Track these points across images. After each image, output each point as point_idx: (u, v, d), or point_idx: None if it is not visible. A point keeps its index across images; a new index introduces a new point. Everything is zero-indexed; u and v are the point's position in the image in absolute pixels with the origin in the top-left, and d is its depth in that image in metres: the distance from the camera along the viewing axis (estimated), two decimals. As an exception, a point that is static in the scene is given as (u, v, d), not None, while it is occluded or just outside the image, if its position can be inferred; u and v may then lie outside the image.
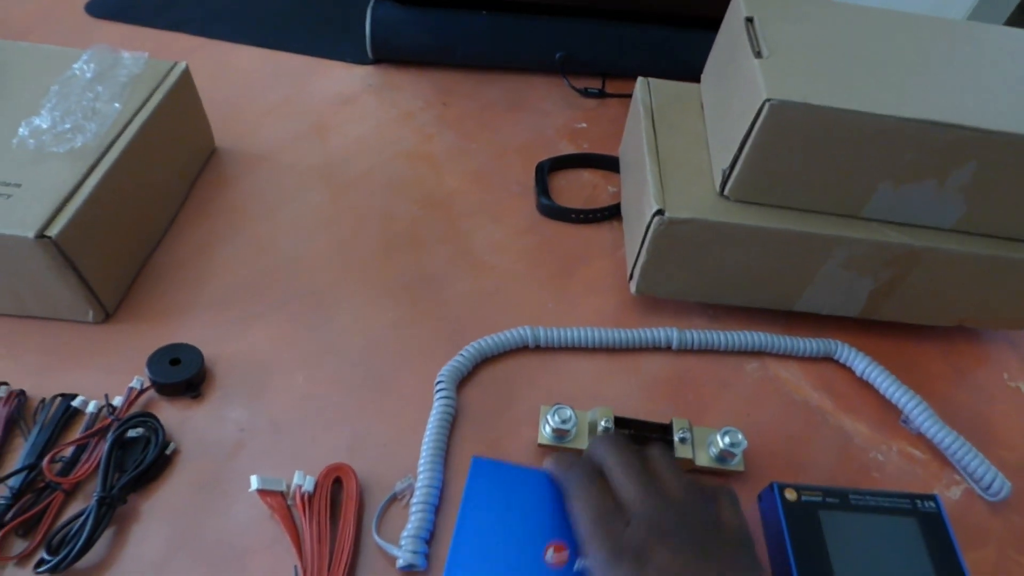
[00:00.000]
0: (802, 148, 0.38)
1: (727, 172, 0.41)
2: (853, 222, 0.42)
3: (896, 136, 0.37)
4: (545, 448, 0.39)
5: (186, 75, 0.49)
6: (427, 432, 0.38)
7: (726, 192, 0.42)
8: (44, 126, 0.39)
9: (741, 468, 0.38)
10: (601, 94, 0.68)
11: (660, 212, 0.41)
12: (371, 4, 0.66)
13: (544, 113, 0.66)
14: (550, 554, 0.33)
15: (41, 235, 0.36)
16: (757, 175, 0.40)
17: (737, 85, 0.41)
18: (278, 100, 0.64)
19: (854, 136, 0.37)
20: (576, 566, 0.32)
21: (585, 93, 0.68)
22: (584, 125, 0.65)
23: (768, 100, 0.36)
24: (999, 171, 0.38)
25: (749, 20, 0.43)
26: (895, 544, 0.34)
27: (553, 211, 0.54)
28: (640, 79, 0.52)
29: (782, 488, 0.35)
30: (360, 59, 0.69)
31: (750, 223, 0.41)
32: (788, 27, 0.42)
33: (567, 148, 0.62)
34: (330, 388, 0.41)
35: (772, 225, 0.41)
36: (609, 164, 0.60)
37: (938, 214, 0.41)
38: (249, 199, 0.53)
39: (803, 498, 0.35)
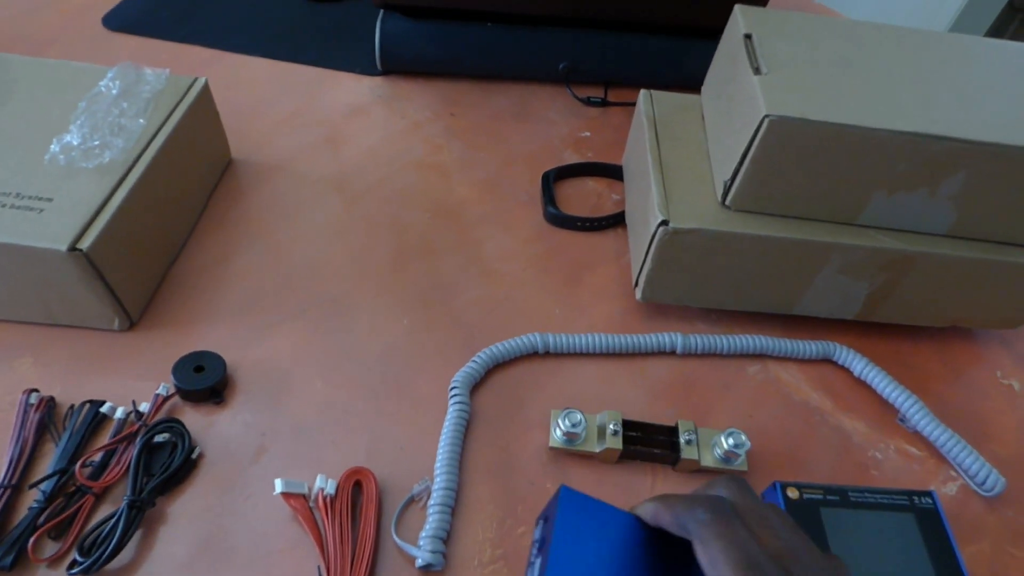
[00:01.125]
0: (800, 160, 0.40)
1: (728, 183, 0.43)
2: (849, 229, 0.43)
3: (889, 148, 0.39)
4: (556, 451, 0.40)
5: (206, 90, 0.51)
6: (443, 436, 0.40)
7: (728, 202, 0.43)
8: (74, 143, 0.41)
9: (744, 468, 0.40)
10: (604, 103, 0.70)
11: (665, 223, 0.42)
12: (380, 16, 0.68)
13: (549, 122, 0.68)
14: None
15: (73, 248, 0.37)
16: (757, 186, 0.42)
17: (737, 100, 0.43)
18: (290, 111, 0.65)
19: (849, 149, 0.39)
20: None
21: (588, 102, 0.70)
22: (588, 134, 0.67)
23: (767, 116, 0.38)
24: (987, 180, 0.40)
25: (748, 37, 0.44)
26: (894, 539, 0.36)
27: (560, 220, 0.56)
28: (643, 91, 0.54)
29: (784, 487, 0.37)
30: (369, 70, 0.71)
31: (751, 232, 0.43)
32: (785, 44, 0.44)
33: (572, 157, 0.64)
34: (349, 393, 0.43)
35: (772, 234, 0.43)
36: (613, 172, 0.61)
37: (930, 221, 0.43)
38: (265, 209, 0.55)
39: (805, 496, 0.37)
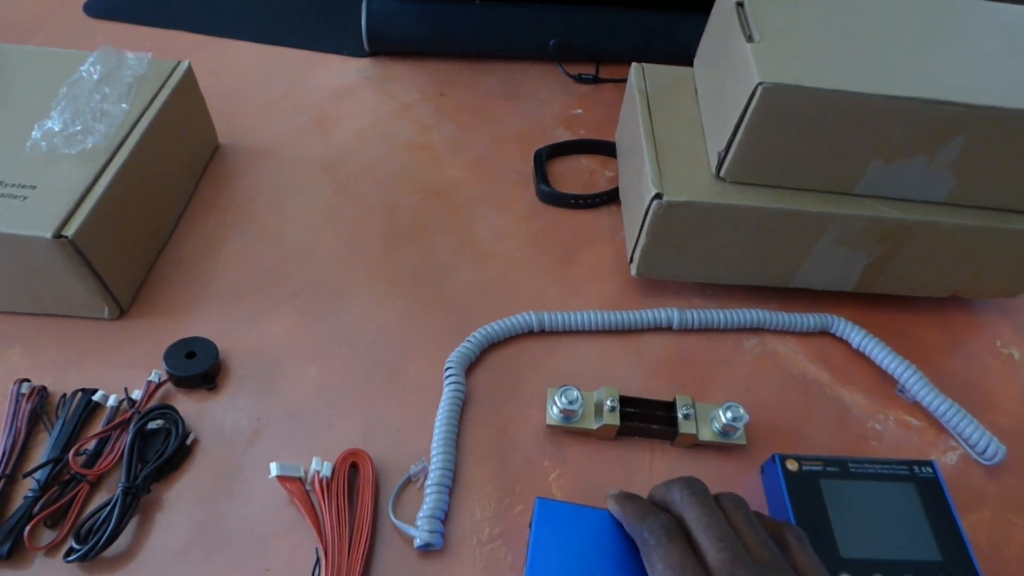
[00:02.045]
0: (795, 129, 0.39)
1: (722, 154, 0.42)
2: (846, 199, 0.43)
3: (885, 114, 0.38)
4: (553, 429, 0.40)
5: (189, 74, 0.50)
6: (439, 416, 0.40)
7: (722, 174, 0.43)
8: (56, 128, 0.40)
9: (743, 442, 0.39)
10: (595, 80, 0.69)
11: (659, 196, 0.42)
12: (366, -3, 0.67)
13: (540, 100, 0.67)
14: None
15: (58, 235, 0.37)
16: (752, 157, 0.41)
17: (730, 69, 0.42)
18: (278, 95, 0.64)
19: (845, 115, 0.38)
20: None
21: (580, 79, 0.69)
22: (580, 111, 0.66)
23: (761, 83, 0.37)
24: (986, 145, 0.39)
25: (739, 4, 0.43)
26: (894, 509, 0.35)
27: (553, 197, 0.55)
28: (634, 65, 0.53)
29: (783, 459, 0.37)
30: (357, 52, 0.70)
31: (746, 204, 0.42)
32: (778, 10, 0.43)
33: (564, 135, 0.63)
34: (342, 377, 0.42)
35: (768, 205, 0.42)
36: (606, 149, 0.61)
37: (929, 188, 0.42)
38: (254, 194, 0.54)
39: (804, 468, 0.36)
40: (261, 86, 0.65)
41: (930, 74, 0.39)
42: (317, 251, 0.50)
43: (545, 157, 0.59)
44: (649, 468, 0.40)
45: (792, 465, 0.36)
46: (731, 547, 0.28)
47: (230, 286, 0.47)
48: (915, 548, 0.34)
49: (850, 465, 0.37)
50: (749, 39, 0.41)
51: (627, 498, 0.32)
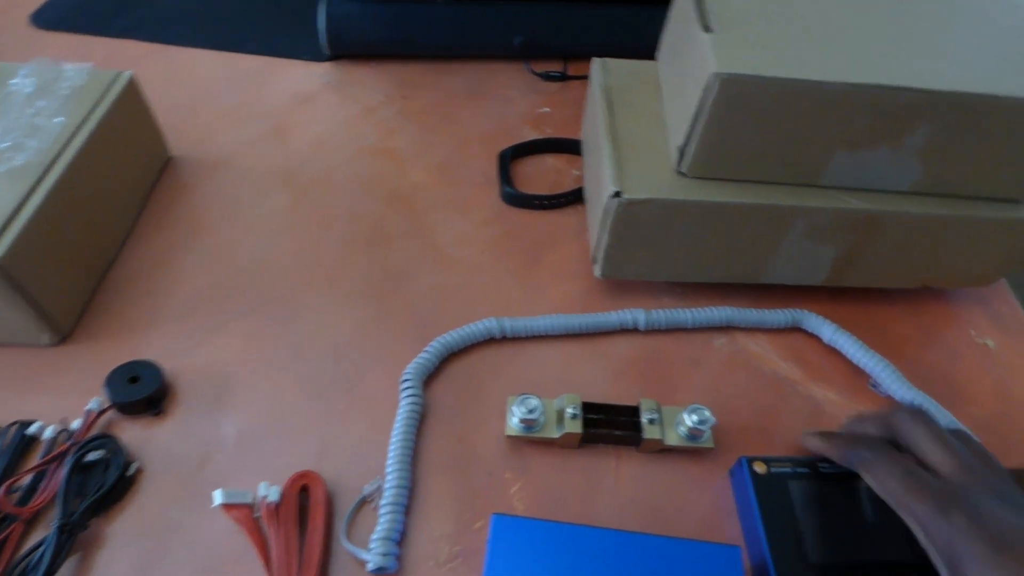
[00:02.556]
0: (755, 120, 0.38)
1: (682, 149, 0.40)
2: (812, 191, 0.41)
3: (848, 102, 0.37)
4: (515, 439, 0.39)
5: (132, 84, 0.48)
6: (394, 432, 0.38)
7: (683, 169, 0.41)
8: (-19, 147, 0.38)
9: (711, 445, 0.38)
10: (563, 77, 0.68)
11: (618, 194, 0.40)
12: (324, 0, 0.65)
13: (507, 100, 0.65)
14: None
15: (-17, 259, 0.35)
16: (713, 150, 0.40)
17: (689, 61, 0.41)
18: (235, 103, 0.63)
19: (806, 105, 0.37)
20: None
21: (547, 77, 0.67)
22: (547, 110, 0.64)
23: (718, 74, 0.36)
24: (952, 132, 0.38)
25: (696, -7, 0.42)
26: (865, 509, 0.34)
27: (517, 199, 0.54)
28: (595, 60, 0.51)
29: (751, 462, 0.35)
30: (318, 56, 0.68)
31: (709, 199, 0.41)
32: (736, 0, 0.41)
33: (531, 134, 0.61)
34: (296, 394, 0.41)
35: (731, 200, 0.41)
36: (572, 148, 0.59)
37: (895, 178, 0.41)
38: (208, 206, 0.52)
39: (772, 470, 0.35)
40: (218, 95, 0.63)
41: (892, 60, 0.38)
42: (273, 263, 0.48)
43: (510, 158, 0.57)
44: (615, 475, 0.38)
45: (760, 467, 0.35)
46: (950, 446, 0.31)
47: (180, 304, 0.45)
48: (886, 548, 0.33)
49: (820, 466, 0.35)
50: (707, 29, 0.39)
51: (829, 433, 0.36)
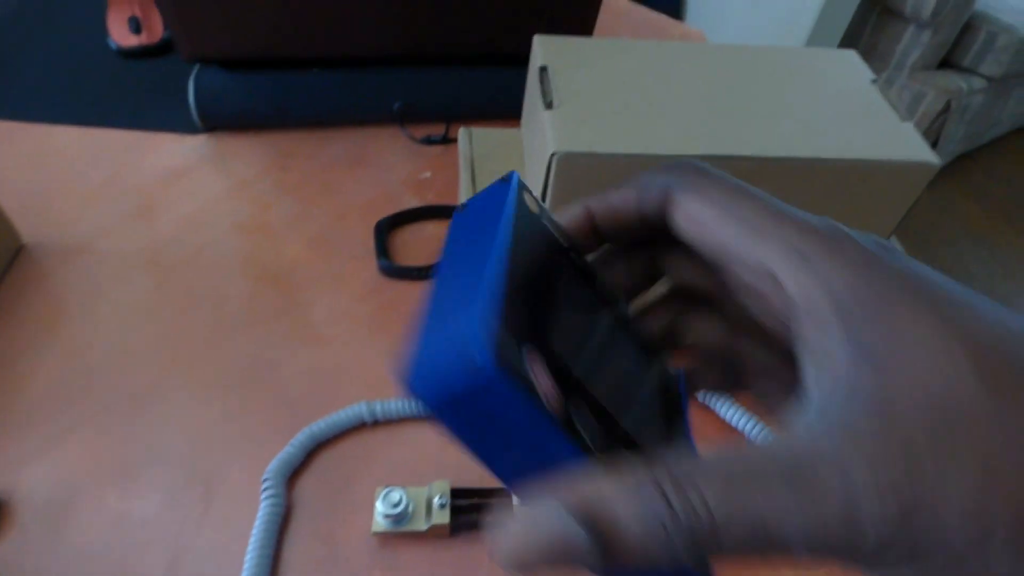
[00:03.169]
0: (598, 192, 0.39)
1: (537, 223, 0.41)
2: (668, 256, 0.42)
3: (685, 173, 0.38)
4: (381, 535, 0.37)
5: (-36, 177, 0.45)
6: (252, 539, 0.36)
7: (542, 241, 0.42)
8: None
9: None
10: (444, 140, 0.68)
11: (478, 270, 0.40)
12: (194, 71, 0.64)
13: (387, 167, 0.65)
14: None
15: None
16: (565, 223, 0.40)
17: (537, 134, 0.42)
18: (100, 183, 0.60)
19: (646, 178, 0.38)
20: None
21: (428, 141, 0.68)
22: (429, 174, 0.64)
23: (554, 153, 0.36)
24: (787, 193, 0.40)
25: (543, 69, 0.43)
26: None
27: (394, 271, 0.53)
28: (462, 129, 0.52)
29: (523, 188, 0.22)
30: (192, 128, 0.66)
31: (568, 270, 0.41)
32: (581, 74, 0.43)
33: (412, 201, 0.61)
34: (147, 503, 0.38)
35: (591, 269, 0.41)
36: (452, 214, 0.59)
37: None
38: (63, 297, 0.49)
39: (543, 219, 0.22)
40: (82, 174, 0.61)
41: (729, 129, 0.40)
42: (130, 357, 0.46)
43: (386, 228, 0.56)
44: (489, 566, 0.37)
45: (531, 203, 0.22)
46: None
47: (22, 411, 0.42)
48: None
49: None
50: (549, 106, 0.40)
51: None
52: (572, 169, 0.37)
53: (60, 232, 0.55)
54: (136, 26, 0.74)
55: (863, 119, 0.42)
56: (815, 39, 1.68)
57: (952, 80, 1.82)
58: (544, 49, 0.45)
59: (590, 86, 0.42)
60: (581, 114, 0.39)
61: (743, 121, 0.41)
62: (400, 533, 0.37)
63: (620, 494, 0.15)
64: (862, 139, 0.40)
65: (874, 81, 0.45)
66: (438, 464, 0.41)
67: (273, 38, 0.63)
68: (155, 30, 0.75)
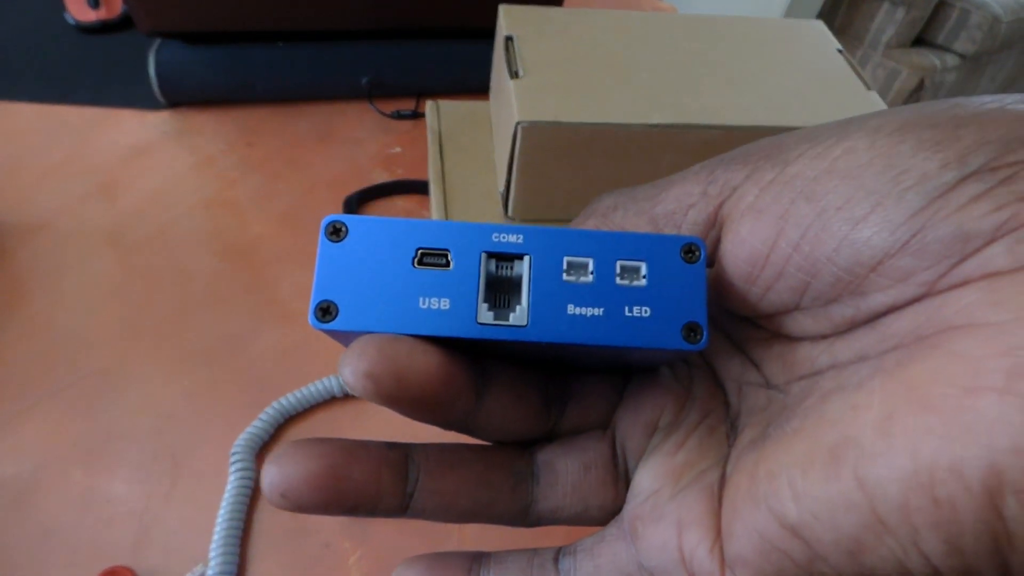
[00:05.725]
0: (564, 164, 0.39)
1: (504, 194, 0.41)
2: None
3: (650, 143, 0.38)
4: (350, 505, 0.37)
5: (-87, 152, 0.44)
6: (220, 512, 0.36)
7: (510, 214, 0.42)
8: None
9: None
10: (415, 115, 0.67)
11: (444, 242, 0.40)
12: (155, 45, 0.62)
13: (356, 142, 0.64)
14: None
15: None
16: (532, 194, 0.40)
17: (504, 105, 0.41)
18: (59, 160, 0.58)
19: (610, 147, 0.38)
20: None
21: (397, 116, 0.67)
22: (399, 149, 0.64)
23: (519, 123, 0.36)
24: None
25: (508, 39, 0.43)
26: None
27: (363, 246, 0.52)
28: (429, 103, 0.52)
29: None
30: (155, 104, 0.65)
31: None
32: (546, 43, 0.42)
33: (381, 176, 0.60)
34: (112, 480, 0.38)
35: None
36: (423, 188, 0.59)
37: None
38: (20, 277, 0.48)
39: None
40: (40, 152, 0.59)
41: (695, 98, 0.40)
42: (92, 335, 0.45)
43: (355, 203, 0.56)
44: (459, 533, 0.37)
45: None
46: None
47: (-20, 390, 0.41)
48: None
49: None
50: (515, 75, 0.40)
51: None
52: (538, 138, 0.37)
53: (18, 211, 0.53)
54: (95, 0, 0.72)
55: (829, 88, 0.42)
56: (790, 17, 1.68)
57: (926, 57, 1.83)
58: (510, 19, 0.44)
59: (556, 56, 0.42)
60: (547, 84, 0.39)
61: (709, 90, 0.41)
62: (369, 504, 0.37)
63: None
64: (827, 108, 0.41)
65: (840, 51, 0.46)
66: (406, 436, 0.41)
67: (236, 11, 0.61)
68: (114, 4, 0.73)
